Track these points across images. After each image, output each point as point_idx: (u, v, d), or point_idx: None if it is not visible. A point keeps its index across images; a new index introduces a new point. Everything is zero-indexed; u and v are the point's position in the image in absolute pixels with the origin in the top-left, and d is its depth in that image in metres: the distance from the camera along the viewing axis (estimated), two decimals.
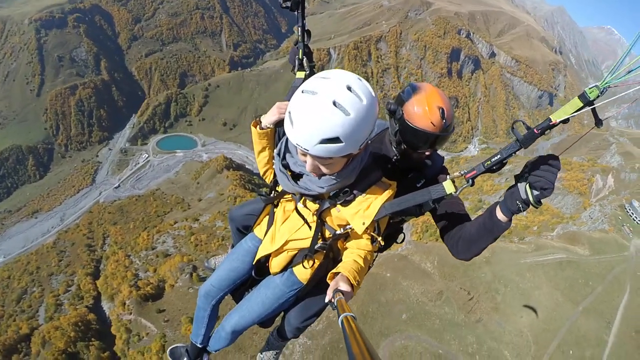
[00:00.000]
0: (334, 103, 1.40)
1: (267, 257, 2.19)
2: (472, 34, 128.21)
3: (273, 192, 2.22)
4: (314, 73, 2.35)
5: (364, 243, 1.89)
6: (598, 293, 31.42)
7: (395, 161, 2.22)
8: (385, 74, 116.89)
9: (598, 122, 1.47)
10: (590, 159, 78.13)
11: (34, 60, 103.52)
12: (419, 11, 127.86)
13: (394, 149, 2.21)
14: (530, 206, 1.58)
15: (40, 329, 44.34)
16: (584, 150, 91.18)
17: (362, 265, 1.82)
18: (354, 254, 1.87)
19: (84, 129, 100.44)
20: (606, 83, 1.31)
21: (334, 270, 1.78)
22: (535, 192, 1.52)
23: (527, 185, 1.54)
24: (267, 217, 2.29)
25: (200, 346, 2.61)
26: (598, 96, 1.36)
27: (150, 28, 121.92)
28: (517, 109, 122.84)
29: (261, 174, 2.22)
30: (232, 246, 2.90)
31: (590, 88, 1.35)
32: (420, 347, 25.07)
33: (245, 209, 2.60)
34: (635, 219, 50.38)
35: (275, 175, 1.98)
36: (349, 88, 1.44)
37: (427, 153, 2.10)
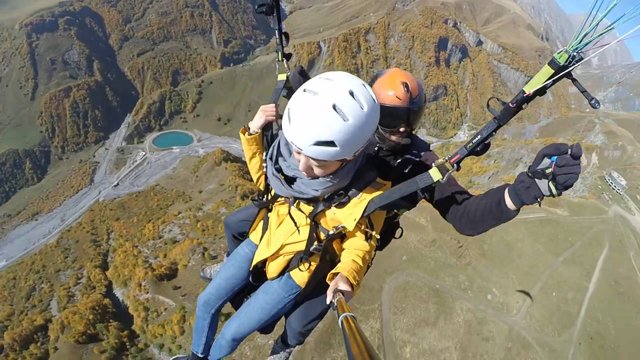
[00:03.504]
0: (334, 107, 1.36)
1: (264, 263, 2.17)
2: (458, 23, 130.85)
3: (266, 196, 2.18)
4: (303, 74, 2.43)
5: (361, 243, 1.86)
6: (577, 247, 34.59)
7: (379, 149, 2.23)
8: (374, 64, 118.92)
9: (591, 101, 1.39)
10: (575, 139, 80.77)
11: (27, 65, 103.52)
12: (406, 2, 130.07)
13: (375, 137, 2.19)
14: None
15: (58, 316, 45.11)
16: (570, 132, 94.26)
17: (361, 264, 1.80)
18: (352, 254, 1.85)
19: (80, 130, 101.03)
20: (574, 46, 1.23)
21: (333, 271, 1.75)
22: (559, 187, 1.35)
23: (550, 182, 1.37)
24: (262, 222, 2.28)
25: (201, 356, 2.58)
26: (570, 62, 1.26)
27: (140, 28, 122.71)
28: (505, 95, 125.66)
29: (254, 180, 2.22)
30: (228, 254, 2.86)
31: (558, 53, 1.28)
32: (420, 283, 28.94)
33: (240, 215, 2.57)
34: (614, 187, 53.29)
35: (267, 179, 1.96)
36: (351, 93, 1.40)
37: (402, 130, 2.11)
